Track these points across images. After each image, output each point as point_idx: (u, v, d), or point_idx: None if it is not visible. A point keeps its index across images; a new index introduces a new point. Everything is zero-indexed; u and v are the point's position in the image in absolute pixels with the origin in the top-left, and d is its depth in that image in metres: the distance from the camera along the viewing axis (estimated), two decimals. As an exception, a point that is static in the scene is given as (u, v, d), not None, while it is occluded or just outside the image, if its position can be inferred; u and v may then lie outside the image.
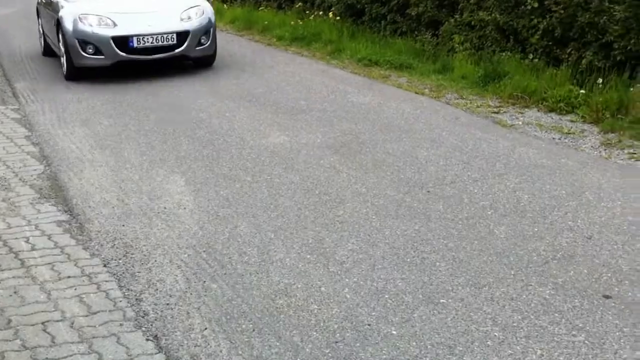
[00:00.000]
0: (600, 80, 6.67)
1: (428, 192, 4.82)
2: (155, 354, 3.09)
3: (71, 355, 3.07)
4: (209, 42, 9.10)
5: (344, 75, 8.79)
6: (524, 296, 3.44)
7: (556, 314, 3.28)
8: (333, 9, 11.37)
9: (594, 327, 3.16)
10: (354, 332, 3.20)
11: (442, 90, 7.76)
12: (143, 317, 3.38)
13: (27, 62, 10.35)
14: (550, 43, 7.45)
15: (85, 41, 8.53)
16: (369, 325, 3.25)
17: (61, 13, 8.76)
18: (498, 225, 4.24)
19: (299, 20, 11.89)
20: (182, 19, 8.92)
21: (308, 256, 3.94)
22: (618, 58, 6.64)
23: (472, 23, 8.50)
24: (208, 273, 3.79)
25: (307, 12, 12.25)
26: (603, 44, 6.80)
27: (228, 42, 11.50)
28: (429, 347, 3.06)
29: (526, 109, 6.88)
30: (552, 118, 6.57)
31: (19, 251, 4.10)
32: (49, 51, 10.31)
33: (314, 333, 3.20)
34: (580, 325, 3.18)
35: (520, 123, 6.46)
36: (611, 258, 3.79)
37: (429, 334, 3.15)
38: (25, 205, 4.83)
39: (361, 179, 5.11)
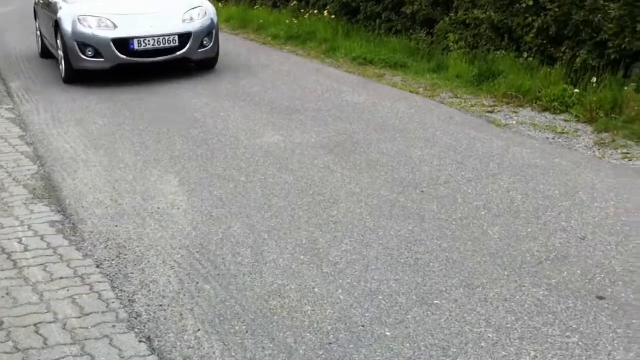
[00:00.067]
0: (594, 79, 6.68)
1: (422, 192, 4.82)
2: (148, 355, 3.08)
3: (63, 357, 3.06)
4: (211, 44, 8.86)
5: (338, 74, 8.78)
6: (518, 297, 3.44)
7: (550, 315, 3.28)
8: (328, 7, 11.36)
9: (587, 328, 3.16)
10: (347, 333, 3.19)
11: (436, 89, 7.76)
12: (136, 318, 3.37)
13: (22, 62, 10.27)
14: (545, 41, 7.46)
15: (84, 43, 8.26)
16: (362, 326, 3.24)
17: (59, 14, 8.51)
18: (492, 226, 4.24)
19: (294, 19, 11.88)
20: (184, 20, 8.67)
21: (301, 257, 3.94)
22: (612, 57, 6.65)
23: (467, 21, 8.50)
24: (201, 274, 3.78)
25: (302, 10, 12.23)
26: (597, 42, 6.81)
27: (223, 41, 11.36)
28: (422, 348, 3.06)
29: (520, 108, 6.88)
30: (545, 117, 6.58)
31: (12, 252, 4.09)
32: (46, 53, 10.07)
33: (308, 334, 3.20)
34: (574, 326, 3.19)
35: (514, 122, 6.46)
36: (604, 258, 3.79)
37: (422, 335, 3.15)
38: (18, 205, 4.82)
39: (355, 178, 5.11)
